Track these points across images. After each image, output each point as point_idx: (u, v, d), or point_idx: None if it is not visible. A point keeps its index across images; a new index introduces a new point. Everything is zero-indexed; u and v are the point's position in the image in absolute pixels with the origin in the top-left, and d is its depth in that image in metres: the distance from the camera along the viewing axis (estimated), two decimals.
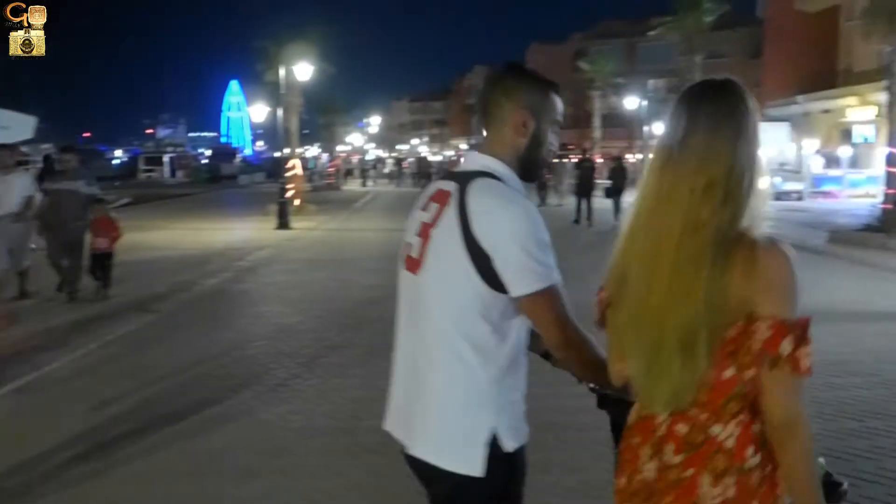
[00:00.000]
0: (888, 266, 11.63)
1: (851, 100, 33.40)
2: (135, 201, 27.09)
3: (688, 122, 1.59)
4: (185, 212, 25.44)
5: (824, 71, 40.27)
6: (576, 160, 23.73)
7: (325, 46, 27.34)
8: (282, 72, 21.96)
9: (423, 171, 44.88)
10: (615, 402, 1.89)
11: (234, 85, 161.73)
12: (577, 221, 19.28)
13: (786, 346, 1.44)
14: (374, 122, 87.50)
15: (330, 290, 10.76)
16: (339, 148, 63.19)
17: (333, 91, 49.06)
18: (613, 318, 1.69)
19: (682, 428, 1.55)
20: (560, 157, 26.90)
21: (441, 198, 1.89)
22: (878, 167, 20.42)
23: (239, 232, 18.86)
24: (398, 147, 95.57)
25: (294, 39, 24.15)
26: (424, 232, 1.91)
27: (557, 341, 1.83)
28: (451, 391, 1.83)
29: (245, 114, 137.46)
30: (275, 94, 24.30)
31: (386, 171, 60.64)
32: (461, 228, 1.79)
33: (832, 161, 28.30)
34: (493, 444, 1.80)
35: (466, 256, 1.77)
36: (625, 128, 50.69)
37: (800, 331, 1.46)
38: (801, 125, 38.23)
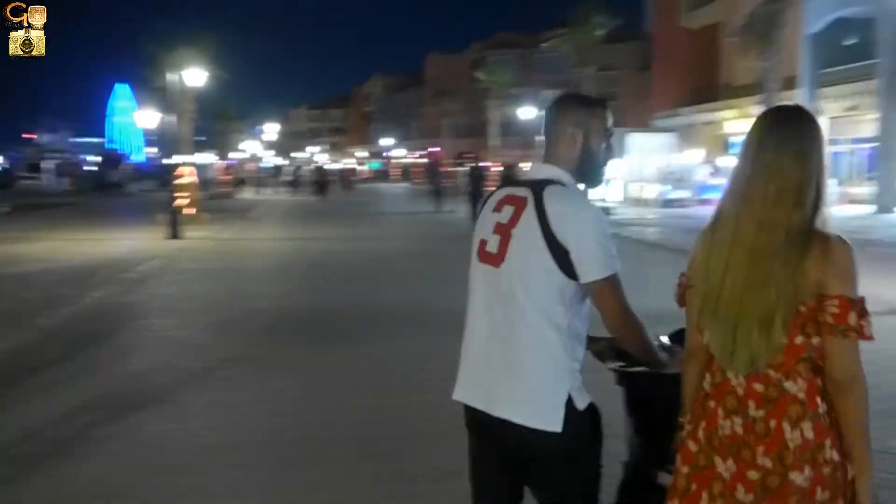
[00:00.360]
0: None
1: (731, 112, 35.30)
2: (14, 210, 25.58)
3: (759, 142, 1.96)
4: (70, 221, 24.28)
5: (707, 84, 42.41)
6: (467, 168, 24.90)
7: (219, 53, 26.72)
8: (172, 77, 21.26)
9: (321, 181, 44.43)
10: (632, 379, 2.36)
11: (121, 89, 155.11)
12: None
13: (852, 318, 1.81)
14: (272, 129, 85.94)
15: (222, 301, 10.48)
16: (233, 155, 61.66)
17: (229, 98, 47.98)
18: (693, 298, 2.08)
19: (759, 387, 1.91)
20: (456, 164, 27.27)
21: (516, 202, 2.24)
22: None
23: (127, 242, 18.11)
24: (293, 155, 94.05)
25: (184, 44, 23.45)
26: (503, 230, 2.24)
27: (618, 320, 2.22)
28: (536, 361, 2.17)
29: (133, 119, 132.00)
30: (165, 99, 23.50)
31: (285, 179, 59.66)
32: (541, 228, 2.15)
33: (718, 170, 29.80)
34: (570, 404, 2.15)
35: (547, 250, 2.14)
36: (522, 136, 51.86)
37: (861, 306, 1.83)
38: (686, 135, 40.06)
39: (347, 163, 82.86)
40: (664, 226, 20.49)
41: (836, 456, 1.88)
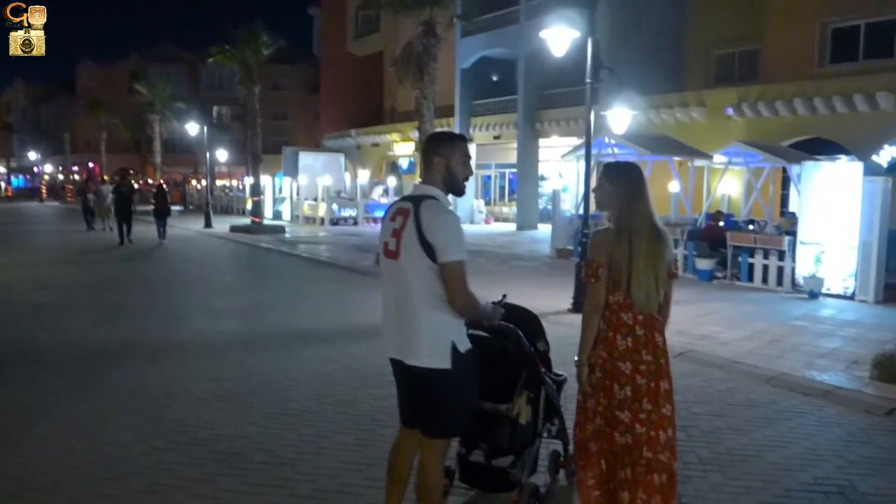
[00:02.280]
0: None
1: (395, 136, 37.42)
2: None
3: (643, 179, 3.65)
4: None
5: (374, 108, 44.53)
6: (112, 186, 23.88)
7: None
8: None
9: None
10: (474, 339, 3.43)
11: None
12: (121, 243, 20.57)
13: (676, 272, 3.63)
14: None
15: None
16: None
17: None
18: (602, 273, 3.45)
19: (640, 318, 3.46)
20: (113, 182, 25.35)
21: (403, 213, 3.22)
22: None
23: None
24: None
25: None
26: (397, 234, 3.22)
27: (459, 294, 3.13)
28: (426, 322, 3.17)
29: None
30: None
31: None
32: (417, 231, 3.13)
33: (387, 191, 31.30)
34: (454, 348, 3.19)
35: (420, 246, 3.11)
36: (190, 153, 49.62)
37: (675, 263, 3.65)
38: (354, 156, 41.55)
39: None
40: (335, 244, 20.96)
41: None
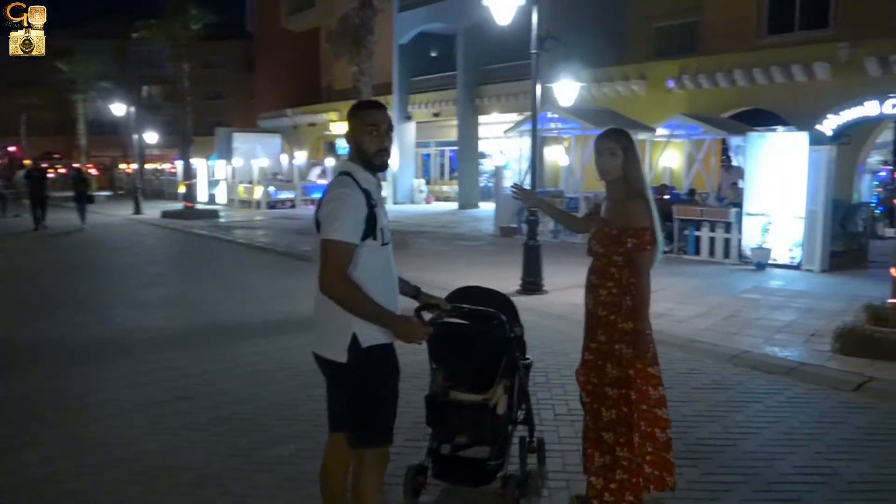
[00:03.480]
0: None
1: (333, 114, 36.47)
2: None
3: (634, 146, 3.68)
4: None
5: (310, 87, 43.36)
6: (24, 171, 23.46)
7: None
8: None
9: None
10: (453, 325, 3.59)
11: None
12: (35, 228, 20.10)
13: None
14: None
15: None
16: None
17: None
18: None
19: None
20: (40, 165, 23.98)
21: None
22: None
23: None
24: None
25: None
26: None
27: (323, 270, 2.79)
28: (327, 310, 2.82)
29: None
30: None
31: None
32: (317, 208, 2.90)
33: (325, 172, 30.42)
34: (354, 341, 2.81)
35: (315, 225, 2.88)
36: (119, 135, 47.52)
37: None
38: (291, 137, 40.45)
39: None
40: (271, 228, 20.20)
41: None
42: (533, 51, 9.57)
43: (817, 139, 11.54)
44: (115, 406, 5.48)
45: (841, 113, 11.30)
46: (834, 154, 11.70)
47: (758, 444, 4.66)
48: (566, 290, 9.81)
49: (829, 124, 11.41)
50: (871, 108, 10.95)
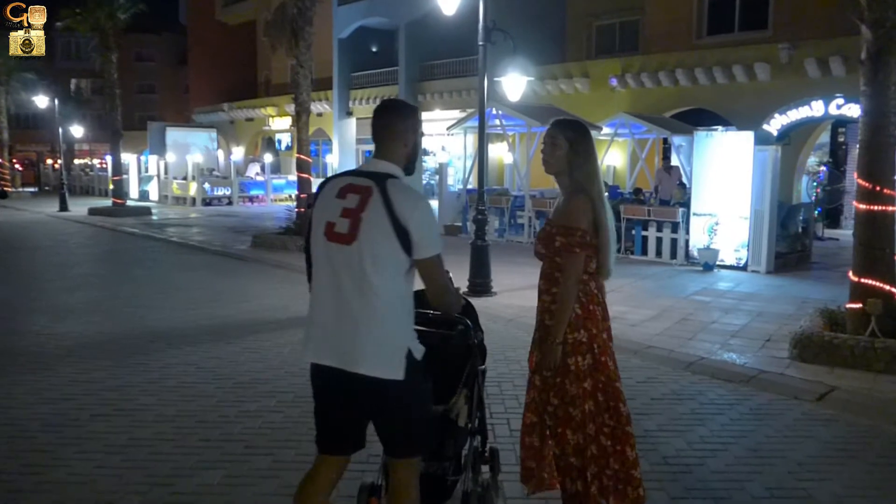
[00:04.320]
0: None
1: (271, 110, 35.56)
2: None
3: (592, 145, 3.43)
4: None
5: (247, 81, 42.24)
6: None
7: None
8: None
9: None
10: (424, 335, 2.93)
11: None
12: None
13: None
14: None
15: None
16: None
17: None
18: (590, 245, 3.22)
19: (602, 285, 3.40)
20: None
21: (360, 190, 2.67)
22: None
23: None
24: None
25: None
26: (352, 214, 2.65)
27: (440, 288, 2.75)
28: (381, 322, 2.64)
29: None
30: None
31: None
32: (388, 214, 2.61)
33: (264, 168, 29.53)
34: (409, 356, 2.69)
35: (393, 232, 2.60)
36: (47, 129, 45.43)
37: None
38: (228, 132, 39.32)
39: None
40: (206, 226, 19.39)
41: None
42: (480, 42, 9.20)
43: (763, 139, 11.48)
44: (19, 427, 4.88)
45: (787, 113, 11.24)
46: (779, 154, 11.68)
47: (726, 463, 4.37)
48: (516, 291, 9.50)
49: (775, 124, 11.35)
50: (817, 109, 10.90)
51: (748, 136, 11.67)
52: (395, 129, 2.79)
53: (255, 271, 12.06)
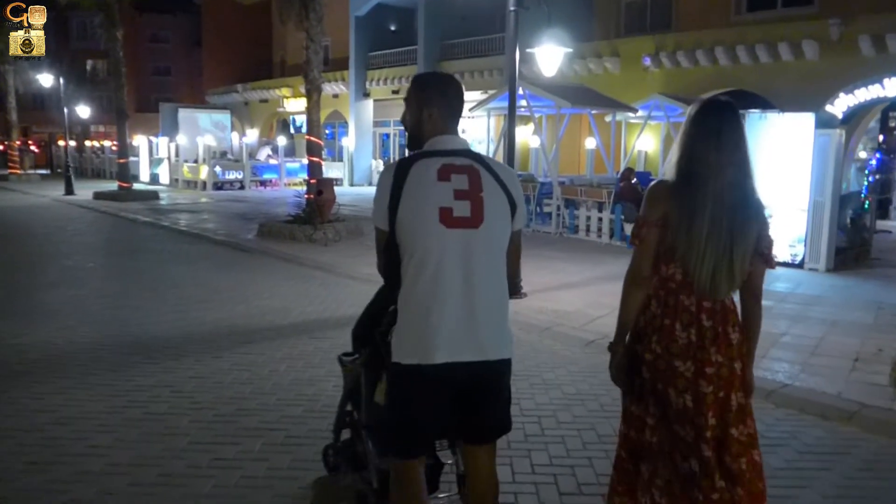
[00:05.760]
0: (315, 263, 10.97)
1: (286, 90, 34.48)
2: None
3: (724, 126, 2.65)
4: None
5: (263, 62, 41.20)
6: None
7: None
8: None
9: None
10: None
11: None
12: None
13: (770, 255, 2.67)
14: None
15: None
16: None
17: None
18: (653, 238, 2.59)
19: (707, 304, 2.57)
20: None
21: (465, 170, 2.51)
22: None
23: None
24: None
25: None
26: (470, 196, 2.47)
27: (519, 257, 2.75)
28: (502, 307, 2.56)
29: None
30: None
31: None
32: (503, 190, 2.54)
33: (276, 150, 28.43)
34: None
35: (508, 208, 2.55)
36: (60, 111, 44.63)
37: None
38: (242, 114, 38.35)
39: None
40: (215, 212, 18.38)
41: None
42: (511, 8, 8.01)
43: (825, 122, 10.24)
44: None
45: (855, 92, 10.00)
46: (843, 139, 10.42)
47: None
48: (549, 292, 8.31)
49: (840, 105, 10.12)
50: (890, 89, 9.65)
51: (808, 118, 10.41)
52: (461, 104, 2.72)
53: (258, 265, 10.98)
